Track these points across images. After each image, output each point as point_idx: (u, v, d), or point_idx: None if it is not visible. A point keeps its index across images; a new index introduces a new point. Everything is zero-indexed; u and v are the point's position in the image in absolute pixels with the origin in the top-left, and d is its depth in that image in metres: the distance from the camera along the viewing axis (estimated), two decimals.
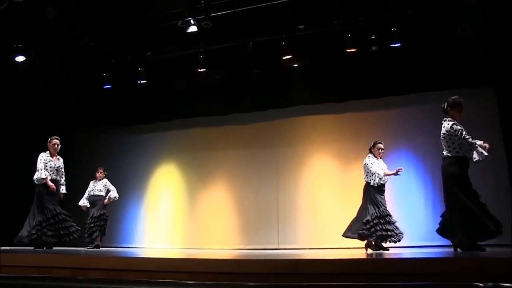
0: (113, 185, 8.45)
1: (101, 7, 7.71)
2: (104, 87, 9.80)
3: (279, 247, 8.87)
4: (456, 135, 5.05)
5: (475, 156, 5.06)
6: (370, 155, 6.60)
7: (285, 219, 9.12)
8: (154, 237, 10.05)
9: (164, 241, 9.89)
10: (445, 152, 5.19)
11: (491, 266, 3.08)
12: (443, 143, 5.20)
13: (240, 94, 9.75)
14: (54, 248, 6.65)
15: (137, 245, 10.05)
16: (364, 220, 6.29)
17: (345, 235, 6.55)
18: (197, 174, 10.05)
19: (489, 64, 7.96)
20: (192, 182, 10.09)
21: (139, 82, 9.43)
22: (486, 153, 5.03)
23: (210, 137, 9.98)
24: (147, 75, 9.36)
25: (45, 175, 6.66)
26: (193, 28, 7.82)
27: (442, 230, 5.34)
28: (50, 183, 6.65)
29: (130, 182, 10.10)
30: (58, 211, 6.71)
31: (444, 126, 5.18)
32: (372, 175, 6.40)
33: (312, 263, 3.68)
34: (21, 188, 8.66)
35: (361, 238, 6.42)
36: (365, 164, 6.54)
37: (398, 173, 6.39)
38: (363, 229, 6.28)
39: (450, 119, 5.21)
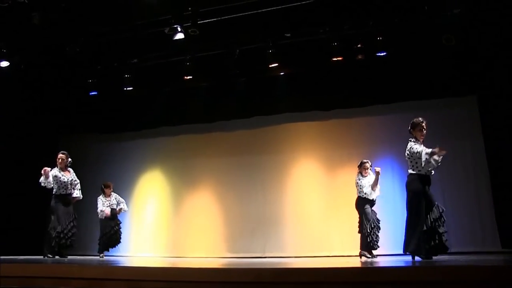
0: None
1: (88, 13, 7.67)
2: (90, 93, 9.71)
3: (265, 255, 8.84)
4: (417, 157, 5.36)
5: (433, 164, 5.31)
6: (358, 174, 7.01)
7: (271, 227, 9.09)
8: (139, 245, 9.95)
9: (149, 249, 9.80)
10: (409, 170, 5.55)
11: (471, 274, 3.12)
12: (407, 161, 5.56)
13: (226, 102, 9.74)
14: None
15: (122, 253, 9.91)
16: (364, 232, 6.67)
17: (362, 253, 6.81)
18: (183, 181, 9.99)
19: (472, 73, 8.08)
20: (177, 189, 10.03)
21: (125, 88, 9.37)
22: (437, 159, 5.29)
23: (196, 144, 9.94)
24: (133, 82, 9.31)
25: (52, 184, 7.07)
26: (180, 35, 7.81)
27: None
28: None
29: (115, 189, 9.93)
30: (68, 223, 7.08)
31: (407, 147, 5.53)
32: (360, 187, 6.89)
33: (295, 271, 3.68)
34: (2, 196, 8.55)
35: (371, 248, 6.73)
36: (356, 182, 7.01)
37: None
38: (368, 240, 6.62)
39: (413, 140, 5.55)
